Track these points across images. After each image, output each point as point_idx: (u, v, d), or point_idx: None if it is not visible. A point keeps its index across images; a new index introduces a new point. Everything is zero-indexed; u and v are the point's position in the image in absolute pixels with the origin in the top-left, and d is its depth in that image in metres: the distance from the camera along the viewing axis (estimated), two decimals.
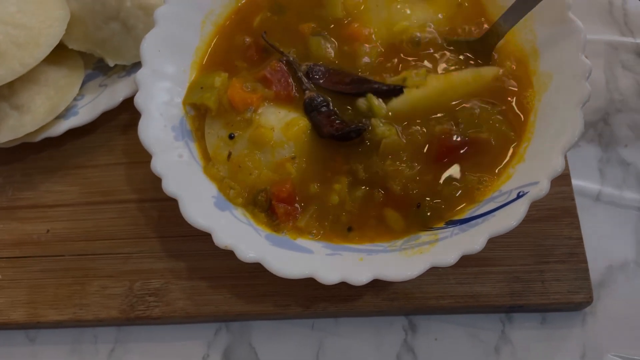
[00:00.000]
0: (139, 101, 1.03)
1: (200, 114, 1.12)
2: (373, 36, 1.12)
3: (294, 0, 1.19)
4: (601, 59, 1.31)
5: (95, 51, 1.28)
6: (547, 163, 0.91)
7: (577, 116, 0.93)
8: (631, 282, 1.10)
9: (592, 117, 1.25)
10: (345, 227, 1.00)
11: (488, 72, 1.05)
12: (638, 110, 1.25)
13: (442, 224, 0.95)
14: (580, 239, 1.08)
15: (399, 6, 1.15)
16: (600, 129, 1.25)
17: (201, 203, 0.98)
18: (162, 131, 1.03)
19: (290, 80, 1.10)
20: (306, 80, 1.10)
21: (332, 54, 1.12)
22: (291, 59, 1.12)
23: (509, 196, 0.92)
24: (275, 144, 1.04)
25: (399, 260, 0.91)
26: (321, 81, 1.09)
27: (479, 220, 0.91)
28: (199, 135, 1.10)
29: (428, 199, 0.98)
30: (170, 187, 0.96)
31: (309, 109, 1.07)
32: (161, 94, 1.07)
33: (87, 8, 1.24)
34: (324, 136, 1.05)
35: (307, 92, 1.09)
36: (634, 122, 1.24)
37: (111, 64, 1.27)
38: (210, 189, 1.02)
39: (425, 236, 0.94)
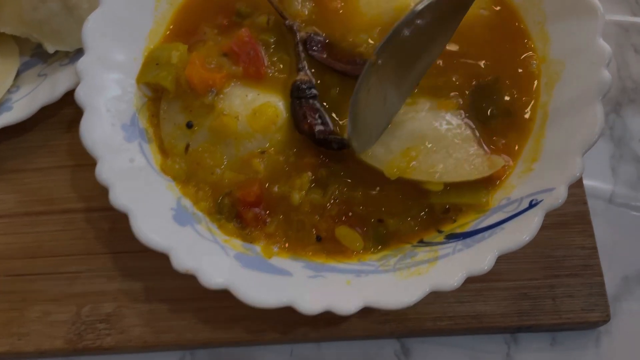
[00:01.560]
0: (81, 95, 0.91)
1: (157, 95, 1.00)
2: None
3: None
4: (611, 42, 1.23)
5: (32, 35, 1.15)
6: (563, 166, 0.82)
7: (596, 110, 0.84)
8: None
9: (603, 107, 1.17)
10: (313, 236, 0.91)
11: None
12: None
13: (441, 239, 0.85)
14: (595, 248, 1.00)
15: None
16: (611, 122, 1.17)
17: (157, 217, 0.86)
18: (110, 130, 0.92)
19: (262, 53, 1.00)
20: (303, 57, 1.00)
21: (306, 12, 1.03)
22: (294, 26, 1.01)
23: (519, 205, 0.83)
24: (239, 136, 0.94)
25: (393, 283, 0.81)
26: (319, 54, 0.99)
27: (486, 233, 0.82)
28: (155, 124, 0.99)
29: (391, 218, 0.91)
30: (119, 199, 0.85)
31: (294, 94, 0.97)
32: (108, 85, 0.95)
33: None
34: (301, 132, 0.94)
35: (300, 72, 0.98)
36: None
37: (51, 50, 1.14)
38: (168, 200, 0.91)
39: (422, 253, 0.84)
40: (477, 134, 0.92)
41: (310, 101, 0.96)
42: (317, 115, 0.95)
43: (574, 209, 1.02)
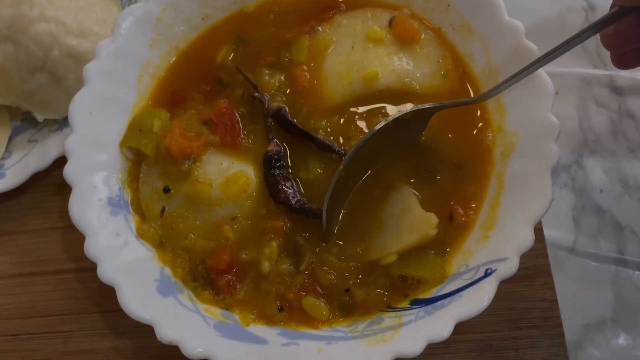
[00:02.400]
0: (69, 174, 0.99)
1: (138, 159, 1.09)
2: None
3: (258, 37, 1.16)
4: (573, 94, 1.31)
5: (22, 105, 1.23)
6: (515, 236, 0.90)
7: (546, 183, 0.92)
8: (609, 343, 1.10)
9: (565, 159, 1.25)
10: (275, 306, 0.98)
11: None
12: (612, 151, 1.25)
13: (406, 304, 0.94)
14: (555, 300, 1.08)
15: (374, 52, 1.10)
16: (573, 173, 1.25)
17: (142, 290, 0.94)
18: (97, 207, 0.99)
19: (239, 124, 1.07)
20: (272, 128, 1.07)
21: (277, 84, 1.10)
22: (265, 98, 1.09)
23: (476, 273, 0.91)
24: (212, 202, 1.02)
25: (361, 351, 0.89)
26: (288, 122, 1.07)
27: (445, 301, 0.90)
28: (135, 188, 1.07)
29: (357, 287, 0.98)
30: (106, 273, 0.93)
31: (268, 165, 1.05)
32: (95, 162, 1.03)
33: (10, 58, 1.19)
34: (278, 202, 1.02)
35: (271, 143, 1.06)
36: (608, 165, 1.24)
37: (40, 118, 1.22)
38: (151, 271, 0.99)
39: (388, 319, 0.92)
40: (419, 198, 1.00)
41: (281, 171, 1.04)
42: (289, 185, 1.03)
43: (535, 262, 1.10)
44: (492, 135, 1.04)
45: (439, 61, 1.09)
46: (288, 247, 1.00)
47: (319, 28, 1.13)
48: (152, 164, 1.06)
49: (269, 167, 1.04)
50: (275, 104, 1.08)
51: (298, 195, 1.02)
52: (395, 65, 1.08)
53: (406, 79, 1.08)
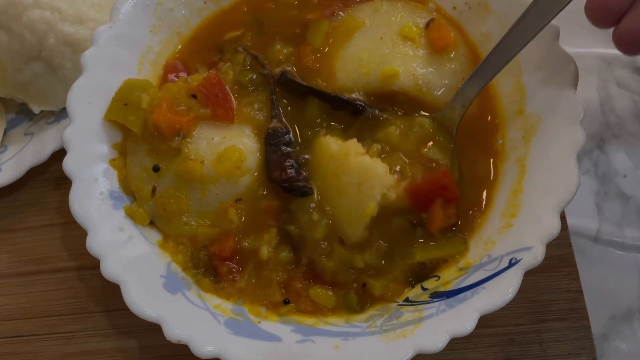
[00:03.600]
0: (69, 166, 0.97)
1: (126, 134, 1.06)
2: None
3: (276, 20, 1.14)
4: (594, 76, 1.28)
5: (17, 96, 1.21)
6: (540, 224, 0.88)
7: (571, 167, 0.90)
8: (636, 334, 1.08)
9: (587, 144, 1.21)
10: (280, 298, 0.97)
11: None
12: (636, 134, 1.23)
13: (426, 297, 0.92)
14: (580, 291, 1.06)
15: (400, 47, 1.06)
16: (596, 158, 1.22)
17: (148, 287, 0.92)
18: (99, 201, 0.98)
19: (230, 95, 1.05)
20: (276, 105, 1.05)
21: (283, 57, 1.09)
22: (268, 70, 1.08)
23: (499, 263, 0.89)
24: (205, 181, 1.00)
25: (380, 347, 0.87)
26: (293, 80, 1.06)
27: (468, 293, 0.88)
28: (120, 166, 1.05)
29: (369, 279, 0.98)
30: (110, 270, 0.91)
31: (269, 141, 1.03)
32: (95, 154, 1.01)
33: (3, 47, 1.17)
34: (271, 180, 1.01)
35: (274, 120, 1.04)
36: (632, 149, 1.22)
37: (36, 110, 1.20)
38: (158, 267, 0.97)
39: (408, 313, 0.91)
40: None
41: (283, 147, 1.02)
42: (287, 163, 1.01)
43: (558, 252, 1.08)
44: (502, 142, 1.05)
45: (464, 78, 1.04)
46: (284, 237, 1.00)
47: (341, 13, 1.10)
48: (140, 140, 1.02)
49: (270, 144, 1.01)
50: (278, 69, 1.06)
51: (295, 173, 0.99)
52: (418, 71, 1.03)
53: (424, 88, 1.03)
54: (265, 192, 1.02)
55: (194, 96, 1.02)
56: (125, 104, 1.02)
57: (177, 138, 1.00)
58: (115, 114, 1.03)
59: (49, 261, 1.16)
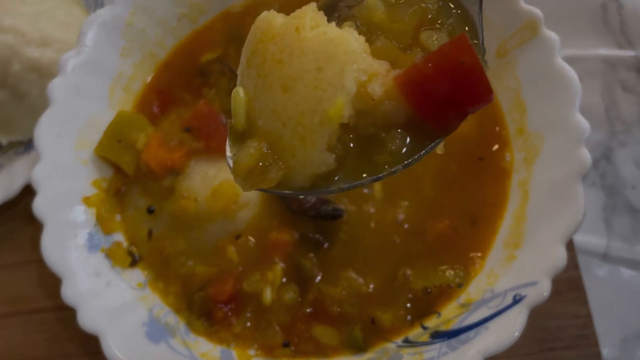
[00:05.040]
0: (38, 209, 0.94)
1: (118, 171, 1.04)
2: None
3: None
4: (598, 79, 1.25)
5: None
6: (545, 256, 0.86)
7: (577, 193, 0.87)
8: None
9: (592, 154, 1.17)
10: (280, 340, 0.95)
11: None
12: None
13: (426, 338, 0.89)
14: (589, 315, 1.04)
15: None
16: (602, 169, 1.20)
17: (129, 337, 0.90)
18: (72, 245, 0.95)
19: (223, 125, 1.02)
20: None
21: None
22: None
23: (503, 300, 0.87)
24: (201, 219, 0.98)
25: None
26: None
27: (471, 333, 0.86)
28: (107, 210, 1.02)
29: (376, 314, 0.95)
30: (87, 320, 0.89)
31: None
32: (67, 194, 0.98)
33: None
34: (292, 211, 0.98)
35: None
36: None
37: (4, 141, 1.17)
38: (139, 314, 0.94)
39: (408, 356, 0.88)
40: None
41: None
42: None
43: (565, 275, 1.04)
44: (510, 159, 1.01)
45: None
46: (293, 273, 0.97)
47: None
48: (132, 181, 1.01)
49: None
50: None
51: (314, 198, 0.96)
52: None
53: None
54: (275, 224, 0.99)
55: (188, 129, 1.01)
56: (119, 141, 1.01)
57: (169, 176, 0.99)
58: (108, 151, 1.01)
59: (25, 301, 1.13)
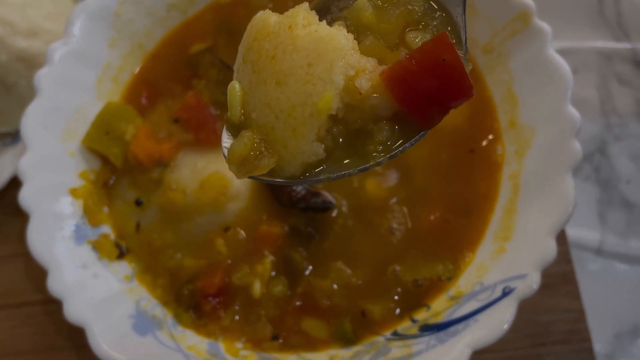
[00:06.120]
0: (25, 199, 0.95)
1: (106, 163, 1.05)
2: None
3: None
4: (593, 72, 1.26)
5: None
6: (535, 248, 0.87)
7: (567, 185, 0.88)
8: None
9: (586, 147, 1.21)
10: (269, 333, 0.96)
11: None
12: (639, 136, 1.21)
13: (415, 331, 0.91)
14: (582, 310, 1.05)
15: None
16: (597, 163, 1.21)
17: (116, 329, 0.91)
18: (60, 237, 0.96)
19: (212, 117, 1.03)
20: None
21: None
22: None
23: (492, 293, 0.88)
24: (190, 211, 0.99)
25: None
26: None
27: (460, 326, 0.87)
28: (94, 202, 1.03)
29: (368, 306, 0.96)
30: (74, 312, 0.90)
31: None
32: (54, 185, 0.99)
33: None
34: (284, 205, 0.99)
35: None
36: (635, 152, 1.20)
37: None
38: (126, 306, 0.95)
39: (396, 349, 0.90)
40: None
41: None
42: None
43: (558, 269, 1.07)
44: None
45: None
46: (282, 267, 0.98)
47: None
48: (120, 173, 1.03)
49: None
50: None
51: (304, 188, 0.97)
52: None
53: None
54: (265, 217, 1.00)
55: (177, 121, 1.02)
56: (107, 133, 1.02)
57: (157, 168, 1.01)
58: (96, 142, 1.02)
59: (13, 295, 1.14)
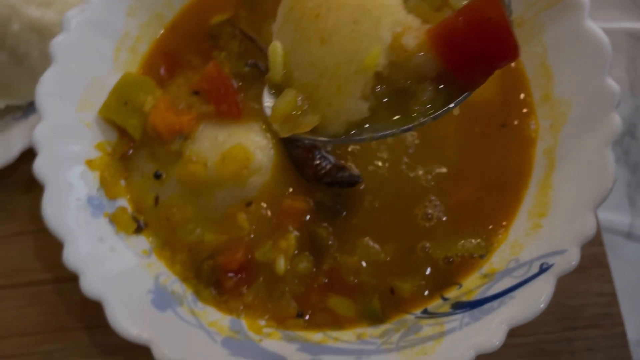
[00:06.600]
0: (40, 170, 0.92)
1: (123, 134, 1.02)
2: None
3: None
4: (622, 54, 1.24)
5: None
6: (574, 223, 0.85)
7: (606, 158, 0.86)
8: None
9: None
10: (294, 311, 0.94)
11: None
12: None
13: (447, 309, 0.88)
14: (614, 294, 1.03)
15: None
16: (626, 146, 1.19)
17: (134, 304, 0.89)
18: (75, 208, 0.93)
19: (234, 88, 1.01)
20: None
21: None
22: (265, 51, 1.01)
23: (529, 269, 0.85)
24: (210, 185, 0.96)
25: None
26: None
27: (494, 303, 0.85)
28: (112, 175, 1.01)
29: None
30: (90, 286, 0.87)
31: (287, 140, 0.97)
32: (70, 155, 0.96)
33: None
34: (308, 179, 0.97)
35: None
36: None
37: (1, 105, 1.15)
38: (145, 281, 0.93)
39: (427, 327, 0.87)
40: None
41: (306, 140, 0.96)
42: (317, 156, 0.96)
43: (589, 251, 1.04)
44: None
45: None
46: (307, 243, 0.96)
47: None
48: (139, 145, 1.01)
49: (287, 141, 0.96)
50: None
51: (330, 162, 0.95)
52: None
53: None
54: (289, 192, 0.97)
55: (196, 92, 1.00)
56: (125, 103, 0.99)
57: (177, 140, 0.98)
58: (113, 113, 1.00)
59: (21, 274, 1.11)
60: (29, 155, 1.03)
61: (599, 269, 1.05)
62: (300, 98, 0.72)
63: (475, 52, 0.68)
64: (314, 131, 0.72)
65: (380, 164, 0.98)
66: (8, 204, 1.17)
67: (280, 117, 0.71)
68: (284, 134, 0.72)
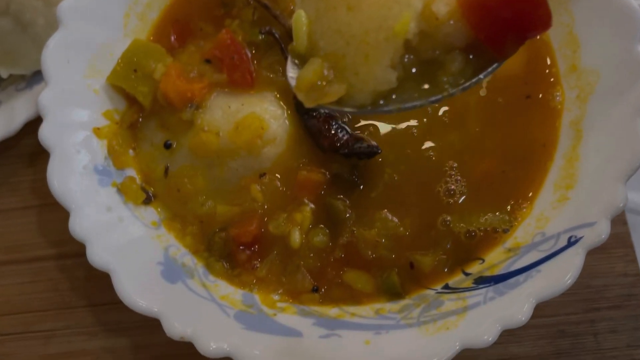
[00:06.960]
0: (45, 135, 0.89)
1: (132, 103, 1.00)
2: None
3: None
4: None
5: None
6: (603, 195, 0.82)
7: (637, 129, 0.83)
8: None
9: None
10: (309, 285, 0.91)
11: None
12: None
13: (469, 284, 0.85)
14: (638, 275, 1.00)
15: None
16: None
17: (143, 275, 0.86)
18: (82, 176, 0.91)
19: (248, 56, 0.98)
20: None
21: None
22: (283, 22, 0.99)
23: (556, 243, 0.83)
24: (223, 155, 0.94)
25: (419, 342, 0.81)
26: None
27: (520, 277, 0.82)
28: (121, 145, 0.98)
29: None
30: (98, 256, 0.84)
31: (300, 109, 0.95)
32: (76, 121, 0.94)
33: None
34: (325, 150, 0.94)
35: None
36: None
37: (4, 74, 1.13)
38: (154, 252, 0.90)
39: (449, 302, 0.84)
40: None
41: (322, 111, 0.94)
42: (333, 126, 0.93)
43: (613, 230, 1.00)
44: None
45: None
46: (323, 216, 0.93)
47: None
48: (148, 114, 0.98)
49: (303, 111, 0.94)
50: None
51: (347, 133, 0.92)
52: None
53: None
54: (304, 164, 0.95)
55: (208, 61, 0.97)
56: (135, 70, 0.97)
57: (188, 109, 0.95)
58: (122, 80, 0.97)
59: (23, 249, 1.09)
60: (32, 127, 1.01)
61: (623, 249, 1.02)
62: (326, 67, 0.70)
63: (507, 22, 0.66)
64: (339, 101, 0.70)
65: (399, 136, 0.95)
66: (11, 177, 1.15)
67: (306, 87, 0.69)
68: (310, 104, 0.70)
